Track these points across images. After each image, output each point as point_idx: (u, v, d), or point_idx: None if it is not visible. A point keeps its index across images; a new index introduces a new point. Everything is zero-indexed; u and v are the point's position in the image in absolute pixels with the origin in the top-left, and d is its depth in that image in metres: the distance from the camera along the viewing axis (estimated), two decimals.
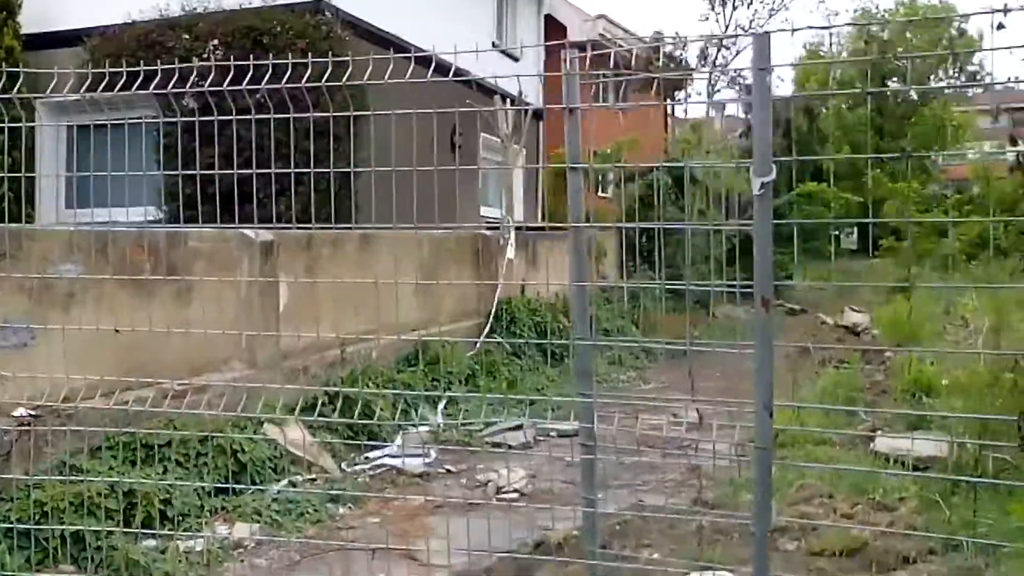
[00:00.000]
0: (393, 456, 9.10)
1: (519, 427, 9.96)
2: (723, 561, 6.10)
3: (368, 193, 3.73)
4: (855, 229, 34.78)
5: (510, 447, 9.55)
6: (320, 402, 8.24)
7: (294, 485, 8.05)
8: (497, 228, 13.92)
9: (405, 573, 6.25)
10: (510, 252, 12.88)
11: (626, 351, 15.36)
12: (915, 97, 34.89)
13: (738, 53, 34.28)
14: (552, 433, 9.92)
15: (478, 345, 12.20)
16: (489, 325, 12.74)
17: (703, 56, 38.17)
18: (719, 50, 39.74)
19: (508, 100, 16.70)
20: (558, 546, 6.51)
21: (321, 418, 8.31)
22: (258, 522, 7.24)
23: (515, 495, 8.14)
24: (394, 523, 7.51)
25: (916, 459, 8.15)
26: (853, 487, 7.87)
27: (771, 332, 3.26)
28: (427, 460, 9.14)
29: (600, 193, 27.08)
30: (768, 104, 3.23)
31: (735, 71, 41.06)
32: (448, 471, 9.12)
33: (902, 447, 8.51)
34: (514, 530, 6.38)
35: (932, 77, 37.43)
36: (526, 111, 17.66)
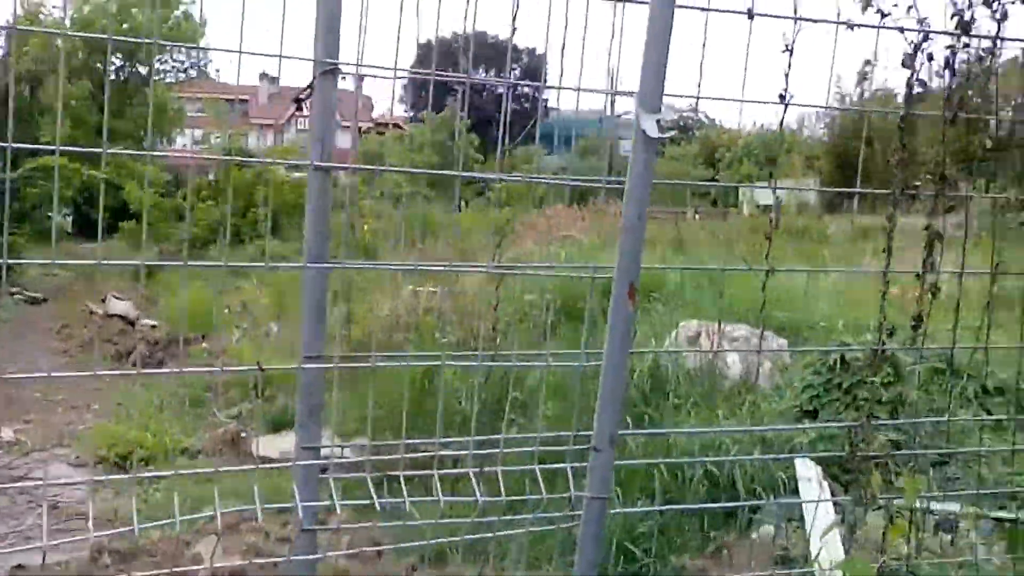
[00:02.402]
0: None
1: None
2: None
3: None
4: (72, 210, 32.63)
5: None
6: None
7: None
8: None
9: None
10: None
11: None
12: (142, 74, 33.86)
13: None
14: None
15: None
16: None
17: None
18: None
19: None
20: None
21: None
22: None
23: None
24: None
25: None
26: (243, 498, 6.95)
27: (630, 332, 2.37)
28: None
29: None
30: None
31: None
32: None
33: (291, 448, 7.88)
34: None
35: (158, 59, 36.57)
36: None
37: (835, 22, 2.59)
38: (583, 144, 38.48)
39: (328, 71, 2.16)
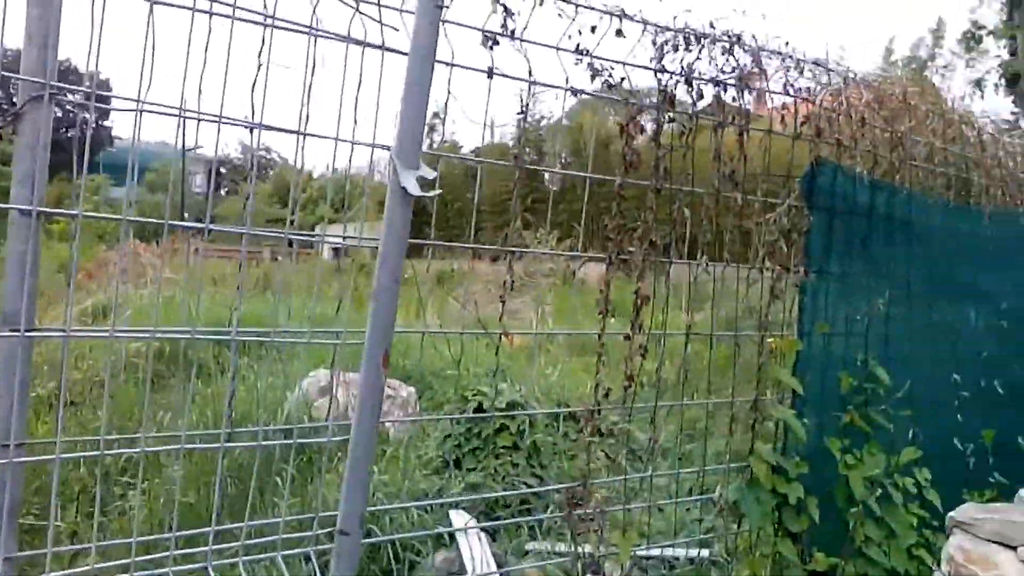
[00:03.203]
0: None
1: None
2: None
3: None
4: None
5: None
6: None
7: None
8: None
9: None
10: None
11: None
12: None
13: None
14: None
15: None
16: None
17: None
18: None
19: None
20: None
21: None
22: None
23: None
24: None
25: None
26: None
27: (380, 404, 2.26)
28: None
29: None
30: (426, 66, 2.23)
31: None
32: None
33: None
34: None
35: None
36: None
37: (565, 88, 2.64)
38: (150, 178, 36.56)
39: (49, 94, 1.77)
